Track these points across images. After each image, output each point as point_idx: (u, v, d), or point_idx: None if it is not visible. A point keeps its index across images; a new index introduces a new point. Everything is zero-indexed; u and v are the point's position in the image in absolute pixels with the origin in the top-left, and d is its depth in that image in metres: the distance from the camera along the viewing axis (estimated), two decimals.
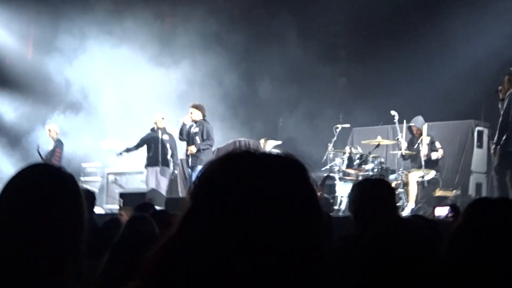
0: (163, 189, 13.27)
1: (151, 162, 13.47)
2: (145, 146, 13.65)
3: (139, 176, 14.51)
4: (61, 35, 16.54)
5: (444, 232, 2.82)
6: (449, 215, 6.57)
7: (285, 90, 16.23)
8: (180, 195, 13.88)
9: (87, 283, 2.57)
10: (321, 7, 16.18)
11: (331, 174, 11.64)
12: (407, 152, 11.86)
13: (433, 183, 11.77)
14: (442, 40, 14.54)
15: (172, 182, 14.28)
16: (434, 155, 11.78)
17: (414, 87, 14.09)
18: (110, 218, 5.78)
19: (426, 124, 12.11)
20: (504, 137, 9.76)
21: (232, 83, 16.18)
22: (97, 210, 10.69)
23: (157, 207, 6.94)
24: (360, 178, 11.15)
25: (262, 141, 13.77)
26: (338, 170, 11.78)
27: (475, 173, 13.24)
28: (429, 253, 2.33)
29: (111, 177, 15.34)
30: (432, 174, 11.67)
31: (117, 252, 2.99)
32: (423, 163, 11.58)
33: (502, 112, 10.00)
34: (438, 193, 11.85)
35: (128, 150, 13.83)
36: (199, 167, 11.85)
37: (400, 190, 11.08)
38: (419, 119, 12.11)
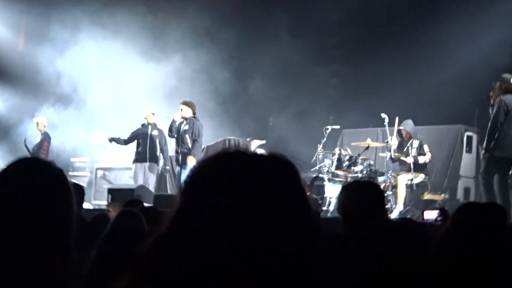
0: (151, 185, 13.23)
1: (140, 158, 13.43)
2: (135, 142, 13.61)
3: (127, 172, 14.45)
4: (53, 25, 16.44)
5: (432, 235, 2.84)
6: (438, 218, 6.60)
7: (276, 88, 16.22)
8: (169, 192, 13.85)
9: (75, 278, 2.56)
10: (314, 7, 16.20)
11: (320, 175, 11.66)
12: (396, 155, 11.89)
13: (421, 186, 11.80)
14: (434, 45, 14.60)
15: (161, 179, 14.25)
16: (421, 159, 11.81)
17: (405, 91, 14.14)
18: (98, 214, 5.77)
19: (416, 127, 12.16)
20: (492, 143, 9.80)
21: (223, 80, 16.15)
22: (85, 205, 10.65)
23: (146, 204, 6.93)
24: (349, 179, 11.18)
25: (247, 139, 13.81)
26: (327, 171, 11.80)
27: (464, 178, 13.31)
28: (417, 255, 2.34)
29: (100, 172, 15.29)
30: (421, 177, 11.71)
31: (105, 247, 2.98)
32: (412, 166, 11.62)
33: (491, 117, 10.05)
34: (427, 196, 11.89)
35: (118, 141, 13.70)
36: (188, 165, 11.89)
37: (389, 192, 11.12)
38: (409, 122, 12.14)
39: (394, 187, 11.45)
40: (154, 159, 13.42)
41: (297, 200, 1.31)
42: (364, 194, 4.17)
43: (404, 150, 12.00)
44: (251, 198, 1.25)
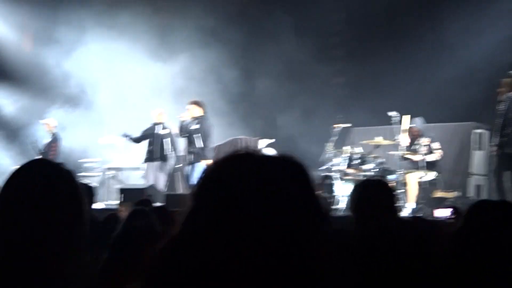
0: (161, 184, 13.28)
1: (150, 157, 13.47)
2: (145, 141, 13.64)
3: (138, 172, 14.50)
4: (60, 27, 16.49)
5: (444, 233, 2.83)
6: (451, 216, 6.58)
7: (283, 87, 16.22)
8: (180, 191, 13.88)
9: (87, 278, 2.56)
10: (318, 6, 16.19)
11: (330, 174, 11.65)
12: (406, 153, 11.86)
13: (432, 184, 11.77)
14: (441, 41, 14.57)
15: (172, 178, 14.28)
16: (431, 157, 11.74)
17: (414, 88, 14.12)
18: (109, 214, 5.78)
19: (426, 125, 12.12)
20: (502, 139, 9.78)
21: (231, 79, 16.16)
22: (96, 205, 10.69)
23: (157, 203, 6.94)
24: (359, 178, 11.16)
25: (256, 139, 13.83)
26: (338, 170, 11.78)
27: (475, 175, 13.28)
28: (428, 254, 2.33)
29: (110, 173, 15.34)
30: (431, 175, 11.67)
31: (117, 247, 2.98)
32: (424, 163, 11.57)
33: (500, 114, 10.02)
34: (438, 194, 11.85)
35: (131, 138, 13.70)
36: (199, 164, 11.90)
37: (400, 190, 11.09)
38: (418, 120, 12.10)
39: (405, 185, 11.42)
40: (163, 158, 13.45)
41: (308, 202, 1.30)
42: (375, 193, 4.17)
43: (414, 148, 11.95)
44: (262, 200, 1.25)
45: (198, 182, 1.34)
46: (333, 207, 11.01)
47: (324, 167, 12.10)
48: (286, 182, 1.29)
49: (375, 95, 14.38)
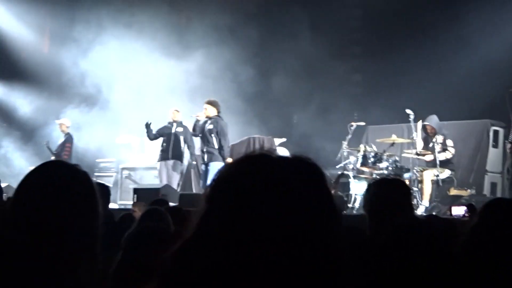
0: (175, 183, 13.26)
1: (163, 156, 13.45)
2: (159, 140, 13.64)
3: (152, 172, 14.51)
4: (77, 26, 16.53)
5: (459, 231, 2.82)
6: (466, 214, 6.55)
7: (299, 85, 16.18)
8: (194, 190, 13.88)
9: (101, 279, 2.57)
10: (335, 2, 16.14)
11: (345, 172, 11.62)
12: (422, 151, 11.80)
13: (447, 182, 11.69)
14: (458, 38, 14.44)
15: (186, 177, 14.29)
16: (442, 156, 11.65)
17: (430, 86, 14.04)
18: (124, 214, 5.80)
19: (441, 123, 12.05)
20: None
21: (247, 78, 16.12)
22: (111, 205, 10.73)
23: (171, 203, 6.96)
24: (374, 176, 11.12)
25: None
26: (353, 168, 11.75)
27: (490, 173, 13.20)
28: (444, 252, 2.33)
29: (125, 173, 15.38)
30: (447, 173, 11.61)
31: (131, 247, 2.99)
32: (437, 162, 11.52)
33: None
34: (453, 192, 11.78)
35: (149, 132, 13.68)
36: (214, 164, 11.91)
37: (415, 189, 11.04)
38: (433, 118, 12.02)
39: (420, 183, 11.37)
40: (177, 157, 13.44)
41: (323, 204, 1.31)
42: (390, 192, 4.15)
43: (429, 145, 11.89)
44: (276, 202, 1.26)
45: (212, 183, 1.35)
46: (349, 205, 10.98)
47: (339, 165, 12.08)
48: (299, 183, 1.29)
49: (392, 92, 14.31)
